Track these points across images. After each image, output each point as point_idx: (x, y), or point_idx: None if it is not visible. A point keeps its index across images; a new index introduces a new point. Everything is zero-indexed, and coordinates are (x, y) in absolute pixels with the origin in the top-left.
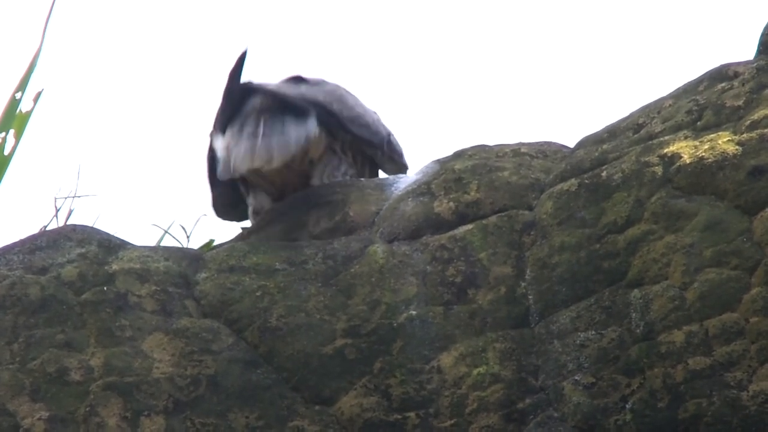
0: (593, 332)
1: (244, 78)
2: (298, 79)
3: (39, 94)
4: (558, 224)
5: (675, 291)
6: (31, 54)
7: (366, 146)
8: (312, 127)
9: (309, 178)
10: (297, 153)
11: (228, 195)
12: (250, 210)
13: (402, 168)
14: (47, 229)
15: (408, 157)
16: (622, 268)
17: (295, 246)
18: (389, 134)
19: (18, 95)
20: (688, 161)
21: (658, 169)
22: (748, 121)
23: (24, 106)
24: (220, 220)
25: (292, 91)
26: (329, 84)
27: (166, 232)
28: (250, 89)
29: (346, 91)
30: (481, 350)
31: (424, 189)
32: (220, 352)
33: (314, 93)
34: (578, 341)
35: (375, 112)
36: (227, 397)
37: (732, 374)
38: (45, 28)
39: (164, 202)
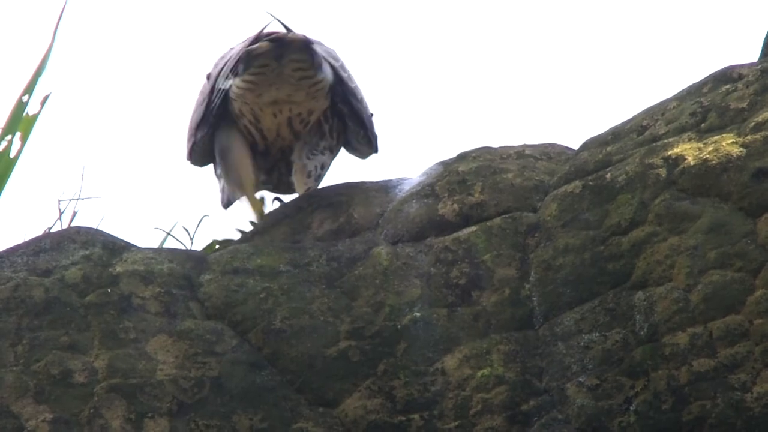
0: (597, 334)
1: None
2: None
3: (46, 98)
4: (562, 226)
5: (679, 293)
6: (39, 57)
7: (356, 124)
8: (329, 74)
9: (291, 148)
10: (326, 88)
11: (205, 145)
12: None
13: (372, 152)
14: (51, 231)
15: (411, 159)
16: (626, 269)
17: (299, 248)
18: (371, 114)
19: (25, 98)
20: (692, 163)
21: (662, 171)
22: (752, 123)
23: (31, 109)
24: (193, 165)
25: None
26: (329, 48)
27: (168, 234)
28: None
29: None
30: (485, 352)
31: (428, 191)
32: (224, 354)
33: (327, 51)
34: (582, 343)
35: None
36: (231, 399)
37: (736, 376)
38: (55, 31)
39: (167, 204)
